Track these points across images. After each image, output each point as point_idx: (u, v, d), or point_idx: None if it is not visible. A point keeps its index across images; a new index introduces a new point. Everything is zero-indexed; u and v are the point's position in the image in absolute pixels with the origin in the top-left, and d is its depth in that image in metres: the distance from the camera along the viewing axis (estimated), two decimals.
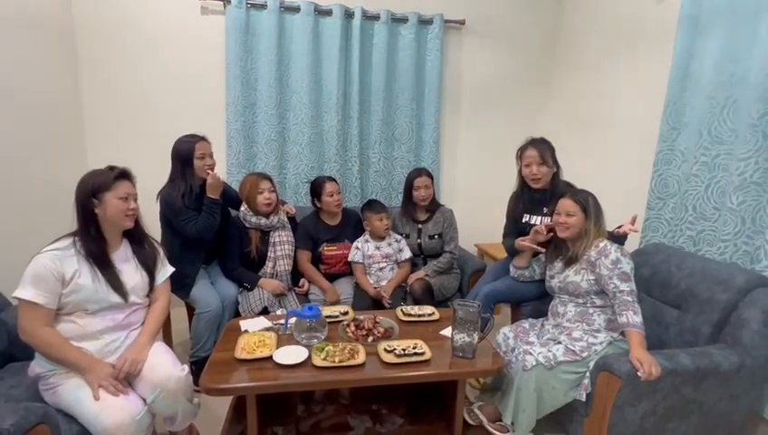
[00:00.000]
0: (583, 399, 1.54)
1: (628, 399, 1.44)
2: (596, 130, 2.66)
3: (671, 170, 2.04)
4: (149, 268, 1.55)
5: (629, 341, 1.50)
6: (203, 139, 2.07)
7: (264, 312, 2.07)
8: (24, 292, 1.28)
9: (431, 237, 2.43)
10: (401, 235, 2.48)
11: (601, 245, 1.67)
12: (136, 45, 2.62)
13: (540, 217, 2.06)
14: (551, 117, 3.14)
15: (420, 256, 2.49)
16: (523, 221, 2.11)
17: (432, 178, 2.48)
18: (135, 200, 1.48)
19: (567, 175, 2.11)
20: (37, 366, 1.36)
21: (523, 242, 1.93)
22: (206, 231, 2.01)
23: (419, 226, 2.48)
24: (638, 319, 1.52)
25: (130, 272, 1.49)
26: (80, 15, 2.53)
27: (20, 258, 1.37)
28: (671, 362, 1.43)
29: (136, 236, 1.54)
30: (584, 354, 1.59)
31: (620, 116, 2.49)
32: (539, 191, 2.06)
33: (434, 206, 2.49)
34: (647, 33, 2.31)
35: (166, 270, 1.63)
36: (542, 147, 2.02)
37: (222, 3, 2.62)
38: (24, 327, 1.30)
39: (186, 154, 2.02)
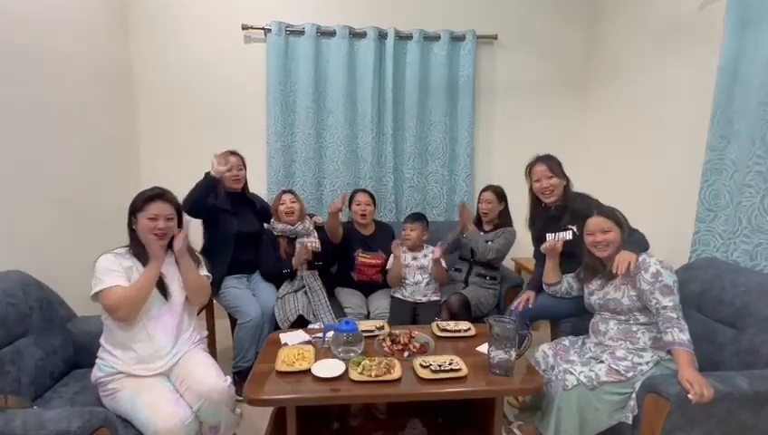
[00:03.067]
0: (630, 422, 1.47)
1: (679, 423, 1.35)
2: (637, 139, 2.57)
3: (722, 181, 1.93)
4: None
5: (677, 360, 1.42)
6: (233, 153, 2.29)
7: (300, 320, 2.16)
8: (101, 283, 1.43)
9: (486, 242, 2.41)
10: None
11: (639, 258, 1.60)
12: (187, 75, 2.84)
13: (559, 233, 1.98)
14: (588, 126, 3.05)
15: (470, 260, 2.49)
16: (547, 240, 2.00)
17: (498, 196, 2.50)
18: (167, 220, 1.56)
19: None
20: (98, 371, 1.48)
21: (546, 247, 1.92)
22: (192, 200, 2.04)
23: (481, 232, 2.48)
24: (685, 336, 1.44)
25: (173, 274, 1.61)
26: (137, 50, 2.78)
27: (86, 274, 1.50)
28: (726, 384, 1.34)
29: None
30: (629, 374, 1.51)
31: (663, 124, 2.39)
32: (551, 208, 2.07)
33: (502, 222, 2.50)
34: (690, 38, 2.22)
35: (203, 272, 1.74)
36: (550, 161, 2.06)
37: (263, 32, 2.79)
38: (112, 306, 1.43)
39: None
